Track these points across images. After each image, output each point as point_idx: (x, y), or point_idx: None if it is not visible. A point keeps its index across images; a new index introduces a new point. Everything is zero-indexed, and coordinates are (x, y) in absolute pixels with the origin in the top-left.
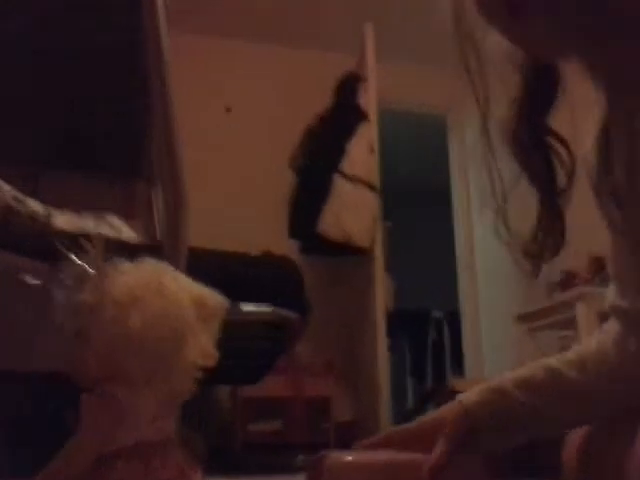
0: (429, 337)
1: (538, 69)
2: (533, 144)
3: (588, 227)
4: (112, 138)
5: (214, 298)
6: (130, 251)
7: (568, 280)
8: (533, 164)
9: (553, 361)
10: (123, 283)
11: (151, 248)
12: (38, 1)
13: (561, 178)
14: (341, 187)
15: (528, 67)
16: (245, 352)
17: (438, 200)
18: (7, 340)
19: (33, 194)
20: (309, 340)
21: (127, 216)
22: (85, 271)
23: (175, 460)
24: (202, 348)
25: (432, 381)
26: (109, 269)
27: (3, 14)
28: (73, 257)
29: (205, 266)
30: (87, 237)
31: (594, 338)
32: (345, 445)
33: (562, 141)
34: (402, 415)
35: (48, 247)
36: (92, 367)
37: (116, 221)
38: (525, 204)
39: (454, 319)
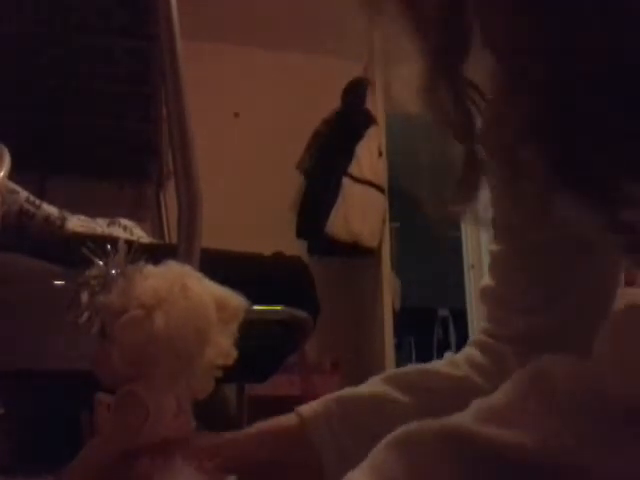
0: (435, 335)
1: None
2: (452, 98)
3: None
4: (121, 142)
5: (236, 299)
6: (148, 253)
7: None
8: (452, 118)
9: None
10: (148, 286)
11: (166, 250)
12: (52, 5)
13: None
14: (350, 189)
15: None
16: (255, 350)
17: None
18: (24, 339)
19: (40, 198)
20: (316, 339)
21: (136, 219)
22: (110, 274)
23: (196, 456)
24: (222, 348)
25: None
26: (134, 272)
27: (17, 14)
28: (97, 260)
29: (217, 266)
30: (111, 240)
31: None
32: None
33: (482, 94)
34: None
35: (64, 250)
36: (118, 368)
37: (129, 224)
38: None
39: (460, 317)
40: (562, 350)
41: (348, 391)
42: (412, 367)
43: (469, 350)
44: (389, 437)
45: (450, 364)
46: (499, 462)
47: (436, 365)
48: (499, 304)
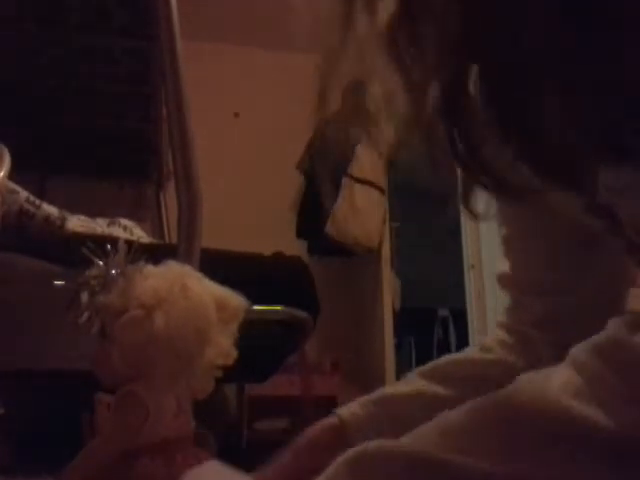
0: (435, 335)
1: None
2: (412, 50)
3: None
4: (121, 142)
5: (236, 299)
6: (148, 253)
7: None
8: (410, 71)
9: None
10: (148, 286)
11: (166, 250)
12: (52, 5)
13: None
14: (350, 189)
15: None
16: (255, 350)
17: (445, 200)
18: (24, 339)
19: (40, 198)
20: (316, 339)
21: (136, 219)
22: (110, 274)
23: (195, 456)
24: (222, 348)
25: None
26: (134, 272)
27: (17, 14)
28: (97, 260)
29: (217, 266)
30: (111, 240)
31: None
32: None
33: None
34: None
35: (64, 250)
36: (118, 368)
37: (129, 224)
38: None
39: (460, 317)
40: (577, 333)
41: (387, 391)
42: (445, 358)
43: (497, 332)
44: (345, 454)
45: (482, 349)
46: None
47: (469, 353)
48: (516, 288)
